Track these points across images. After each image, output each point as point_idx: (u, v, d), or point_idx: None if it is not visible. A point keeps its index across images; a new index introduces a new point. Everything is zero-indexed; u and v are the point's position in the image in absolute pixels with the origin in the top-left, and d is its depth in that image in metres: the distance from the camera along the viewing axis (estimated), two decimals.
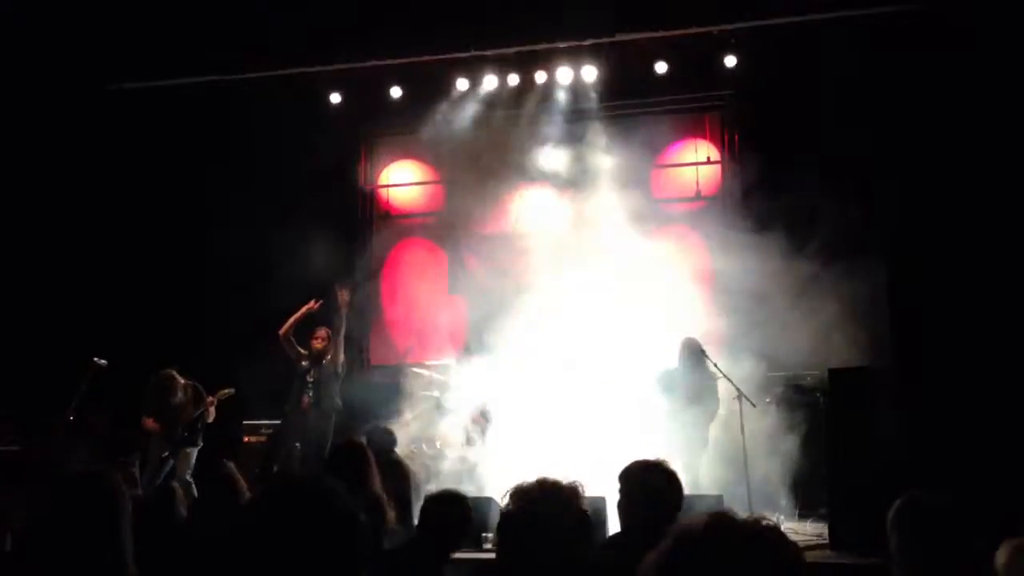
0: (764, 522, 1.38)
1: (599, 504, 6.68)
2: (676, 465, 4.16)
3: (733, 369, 7.83)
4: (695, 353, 7.87)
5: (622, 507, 3.36)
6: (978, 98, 8.30)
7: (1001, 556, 2.53)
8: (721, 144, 10.27)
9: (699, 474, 7.43)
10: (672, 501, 3.32)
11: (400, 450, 7.18)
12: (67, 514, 2.51)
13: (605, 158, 9.84)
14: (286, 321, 8.53)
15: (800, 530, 7.27)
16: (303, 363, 8.56)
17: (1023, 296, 7.98)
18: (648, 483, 3.35)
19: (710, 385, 7.85)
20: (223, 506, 4.56)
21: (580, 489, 2.74)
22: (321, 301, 8.61)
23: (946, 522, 2.64)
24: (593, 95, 10.08)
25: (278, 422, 8.96)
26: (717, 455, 7.88)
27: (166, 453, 8.08)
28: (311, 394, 8.51)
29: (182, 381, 8.24)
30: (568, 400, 8.21)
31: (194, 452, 8.17)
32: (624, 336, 8.40)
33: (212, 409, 8.18)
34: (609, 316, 8.58)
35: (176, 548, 3.62)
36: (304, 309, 8.55)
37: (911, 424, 7.42)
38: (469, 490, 7.56)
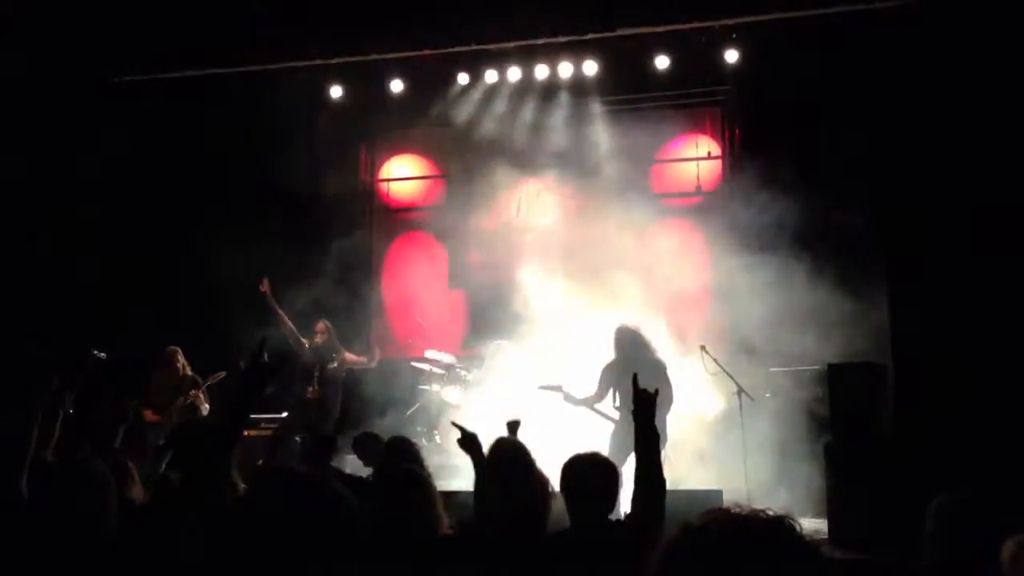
0: (768, 514, 1.34)
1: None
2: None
3: (732, 364, 7.82)
4: (624, 342, 7.29)
5: (566, 502, 3.46)
6: (981, 95, 8.28)
7: (1007, 552, 2.53)
8: (722, 139, 10.27)
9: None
10: (609, 491, 3.47)
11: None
12: (53, 503, 2.51)
13: (605, 153, 9.83)
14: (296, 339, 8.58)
15: (799, 526, 7.26)
16: (307, 352, 8.55)
17: (1022, 293, 7.96)
18: (584, 476, 3.48)
19: (657, 373, 7.15)
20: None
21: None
22: (265, 280, 8.54)
23: (984, 520, 2.73)
24: (594, 89, 10.06)
25: (276, 416, 8.96)
26: (716, 450, 7.86)
27: (162, 441, 8.09)
28: (314, 387, 8.52)
29: (182, 359, 8.30)
30: (565, 396, 8.18)
31: None
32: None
33: (203, 396, 8.18)
34: (608, 311, 8.56)
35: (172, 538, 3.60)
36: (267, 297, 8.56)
37: (910, 419, 7.42)
38: (469, 486, 7.57)
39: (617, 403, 7.32)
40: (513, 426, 4.37)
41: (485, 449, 4.05)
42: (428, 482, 3.87)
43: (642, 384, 6.35)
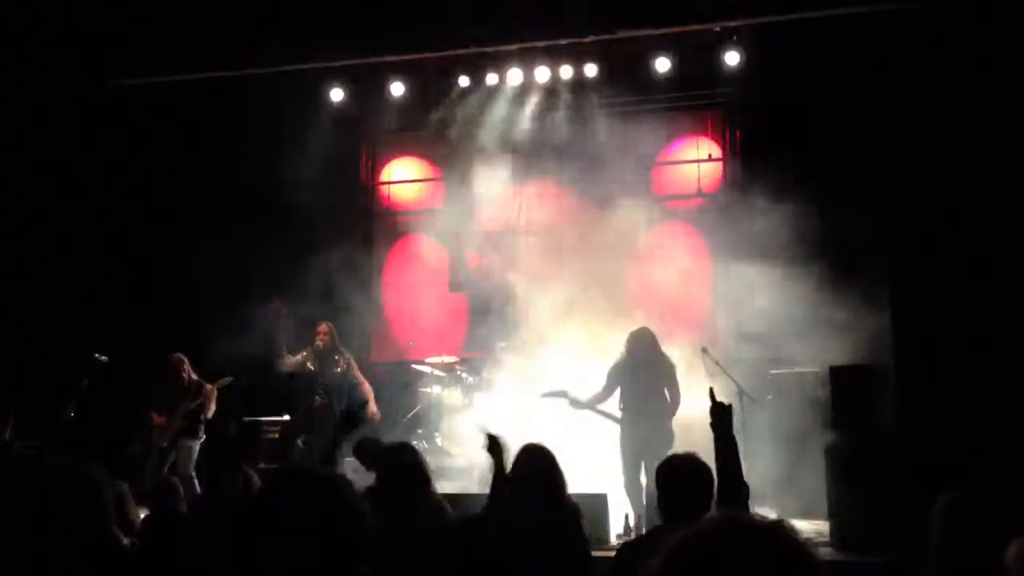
0: (776, 521, 1.35)
1: (600, 501, 6.70)
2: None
3: (734, 366, 7.82)
4: (638, 343, 7.37)
5: (661, 503, 3.55)
6: (981, 97, 8.28)
7: (1011, 552, 2.53)
8: (723, 141, 10.27)
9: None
10: (705, 492, 3.51)
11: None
12: (53, 506, 2.51)
13: (606, 155, 9.83)
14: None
15: (801, 527, 7.26)
16: (309, 365, 8.59)
17: (1022, 294, 7.96)
18: (681, 476, 3.57)
19: (667, 375, 7.35)
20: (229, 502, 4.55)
21: None
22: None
23: (993, 519, 2.72)
24: (594, 92, 10.07)
25: (278, 419, 8.98)
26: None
27: (165, 444, 8.11)
28: (320, 395, 8.56)
29: (188, 366, 8.31)
30: (570, 401, 8.18)
31: (195, 445, 8.17)
32: (623, 332, 8.36)
33: (212, 400, 8.19)
34: (608, 312, 8.56)
35: (175, 540, 3.62)
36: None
37: (911, 421, 7.42)
38: (471, 488, 7.58)
39: (622, 404, 7.34)
40: (492, 441, 4.29)
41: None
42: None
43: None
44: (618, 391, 7.40)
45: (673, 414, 7.23)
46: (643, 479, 6.95)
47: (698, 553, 1.29)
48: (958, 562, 2.75)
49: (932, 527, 2.84)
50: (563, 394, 7.48)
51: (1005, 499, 2.84)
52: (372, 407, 8.39)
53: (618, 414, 7.34)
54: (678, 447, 7.25)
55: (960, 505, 2.83)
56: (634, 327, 7.54)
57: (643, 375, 7.27)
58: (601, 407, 7.44)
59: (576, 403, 7.45)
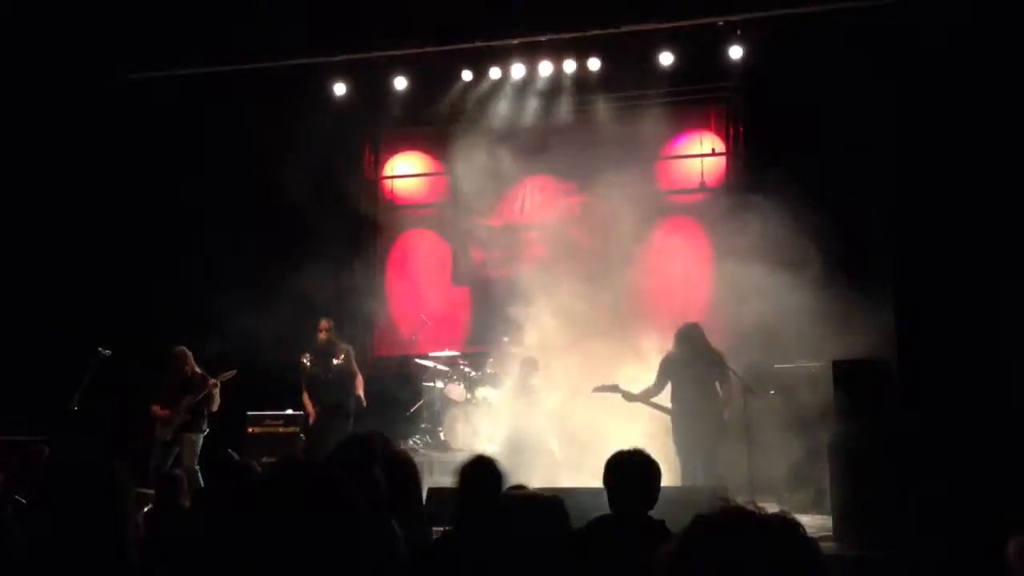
0: (782, 515, 1.40)
1: (604, 496, 6.68)
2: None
3: (737, 360, 7.81)
4: (689, 338, 7.46)
5: (609, 495, 3.58)
6: (983, 92, 8.25)
7: (1012, 549, 2.53)
8: (726, 136, 10.25)
9: (718, 462, 7.25)
10: (650, 485, 3.56)
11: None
12: (69, 501, 2.50)
13: (610, 149, 9.82)
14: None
15: (804, 522, 7.24)
16: (308, 364, 8.65)
17: None
18: (629, 471, 3.58)
19: (718, 369, 7.47)
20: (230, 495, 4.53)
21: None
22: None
23: (966, 512, 2.72)
24: (598, 86, 10.05)
25: (279, 413, 9.00)
26: (720, 447, 7.86)
27: (169, 437, 8.12)
28: (323, 392, 8.60)
29: (191, 360, 8.33)
30: (573, 393, 8.18)
31: (199, 438, 8.19)
32: (626, 327, 8.36)
33: (216, 393, 8.21)
34: (612, 307, 8.56)
35: (178, 535, 3.62)
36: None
37: (915, 417, 7.40)
38: None
39: (673, 398, 7.41)
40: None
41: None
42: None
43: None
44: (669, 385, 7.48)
45: (726, 405, 7.36)
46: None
47: (704, 545, 1.33)
48: (940, 555, 2.75)
49: (909, 522, 2.85)
50: (615, 388, 7.55)
51: (977, 491, 2.84)
52: (360, 395, 8.65)
53: (669, 407, 7.43)
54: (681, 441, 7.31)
55: (931, 501, 2.83)
56: (684, 323, 7.56)
57: (693, 369, 7.34)
58: (654, 400, 7.50)
59: (629, 396, 7.53)
